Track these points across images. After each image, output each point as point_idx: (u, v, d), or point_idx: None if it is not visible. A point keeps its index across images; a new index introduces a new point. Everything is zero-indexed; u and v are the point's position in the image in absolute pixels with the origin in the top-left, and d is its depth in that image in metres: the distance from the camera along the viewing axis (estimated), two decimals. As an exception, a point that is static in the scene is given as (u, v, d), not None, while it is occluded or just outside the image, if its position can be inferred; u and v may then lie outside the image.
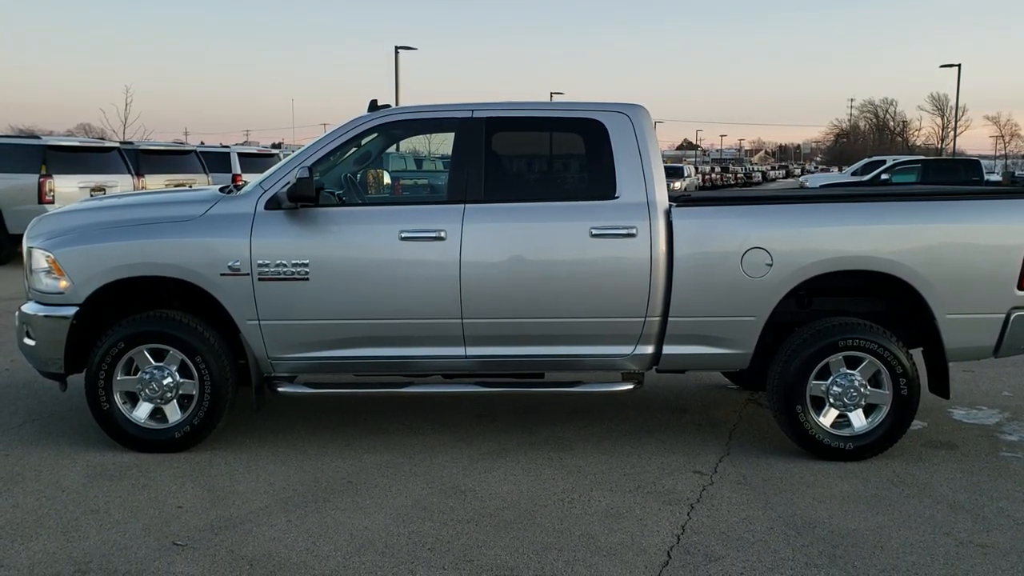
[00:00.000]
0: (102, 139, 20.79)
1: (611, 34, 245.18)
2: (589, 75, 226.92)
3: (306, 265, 4.72)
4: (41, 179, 13.18)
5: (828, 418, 4.81)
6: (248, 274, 4.73)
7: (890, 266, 4.71)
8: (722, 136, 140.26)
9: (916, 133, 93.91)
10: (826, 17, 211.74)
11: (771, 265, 4.70)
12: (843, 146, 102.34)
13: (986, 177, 24.92)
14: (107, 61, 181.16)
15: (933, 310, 4.75)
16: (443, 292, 4.74)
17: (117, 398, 4.84)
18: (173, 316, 4.83)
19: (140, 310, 4.97)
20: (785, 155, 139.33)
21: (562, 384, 5.12)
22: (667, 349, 4.87)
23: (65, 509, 4.14)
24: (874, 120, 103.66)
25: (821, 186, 19.50)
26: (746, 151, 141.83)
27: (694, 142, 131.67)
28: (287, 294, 4.74)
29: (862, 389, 4.77)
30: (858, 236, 4.72)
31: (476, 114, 4.96)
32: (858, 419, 4.81)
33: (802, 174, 61.92)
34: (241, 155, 20.19)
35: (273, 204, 4.79)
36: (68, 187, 13.42)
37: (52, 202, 12.99)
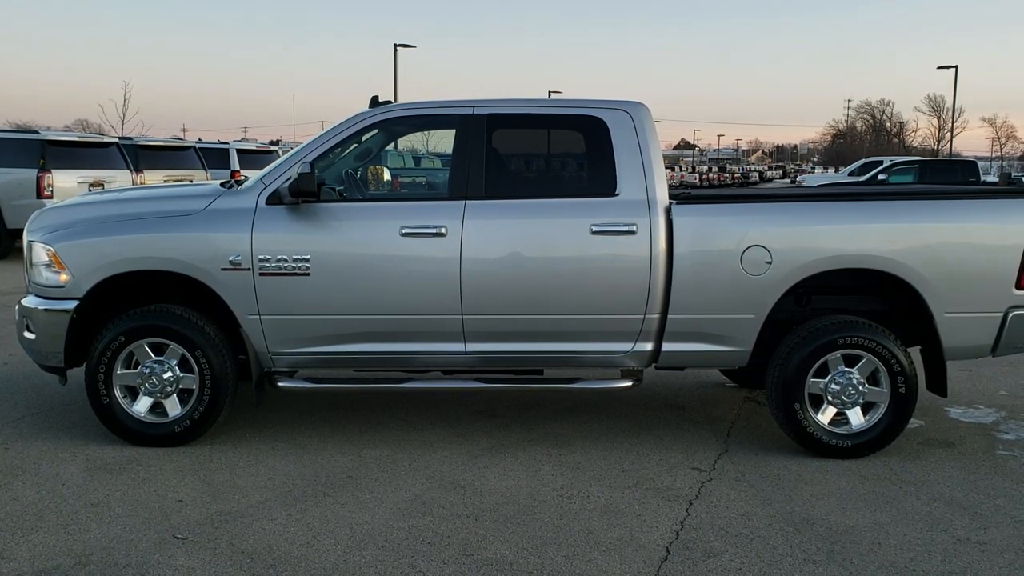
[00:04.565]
0: (101, 134, 20.74)
1: (610, 33, 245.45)
2: (587, 74, 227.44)
3: (307, 260, 4.73)
4: (40, 174, 13.17)
5: (826, 416, 4.83)
6: (249, 269, 4.73)
7: (889, 264, 4.72)
8: (719, 136, 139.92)
9: (913, 134, 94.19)
10: (824, 18, 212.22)
11: (770, 263, 4.72)
12: (840, 147, 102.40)
13: (982, 178, 24.99)
14: (106, 56, 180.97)
15: (931, 309, 4.76)
16: (443, 288, 4.75)
17: (117, 392, 4.84)
18: (173, 310, 4.83)
19: (141, 304, 4.98)
20: (782, 155, 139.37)
21: (561, 380, 5.12)
22: (666, 346, 4.88)
23: (65, 502, 4.14)
24: (871, 121, 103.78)
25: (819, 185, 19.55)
26: (743, 151, 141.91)
27: (691, 142, 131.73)
28: (288, 289, 4.75)
29: (860, 387, 4.79)
30: (857, 234, 4.74)
31: (477, 110, 4.96)
32: (856, 417, 4.83)
33: (797, 174, 62.76)
34: (240, 151, 20.24)
35: (274, 199, 4.80)
36: (67, 182, 13.41)
37: (51, 197, 12.98)
